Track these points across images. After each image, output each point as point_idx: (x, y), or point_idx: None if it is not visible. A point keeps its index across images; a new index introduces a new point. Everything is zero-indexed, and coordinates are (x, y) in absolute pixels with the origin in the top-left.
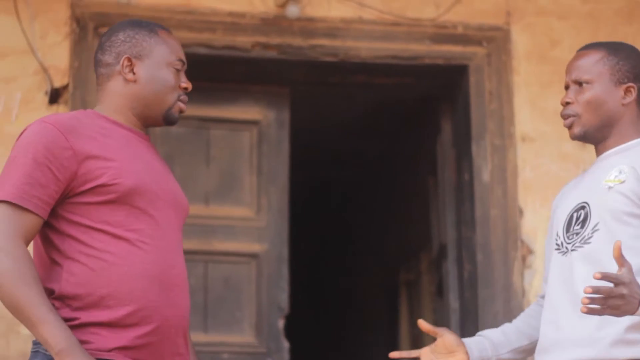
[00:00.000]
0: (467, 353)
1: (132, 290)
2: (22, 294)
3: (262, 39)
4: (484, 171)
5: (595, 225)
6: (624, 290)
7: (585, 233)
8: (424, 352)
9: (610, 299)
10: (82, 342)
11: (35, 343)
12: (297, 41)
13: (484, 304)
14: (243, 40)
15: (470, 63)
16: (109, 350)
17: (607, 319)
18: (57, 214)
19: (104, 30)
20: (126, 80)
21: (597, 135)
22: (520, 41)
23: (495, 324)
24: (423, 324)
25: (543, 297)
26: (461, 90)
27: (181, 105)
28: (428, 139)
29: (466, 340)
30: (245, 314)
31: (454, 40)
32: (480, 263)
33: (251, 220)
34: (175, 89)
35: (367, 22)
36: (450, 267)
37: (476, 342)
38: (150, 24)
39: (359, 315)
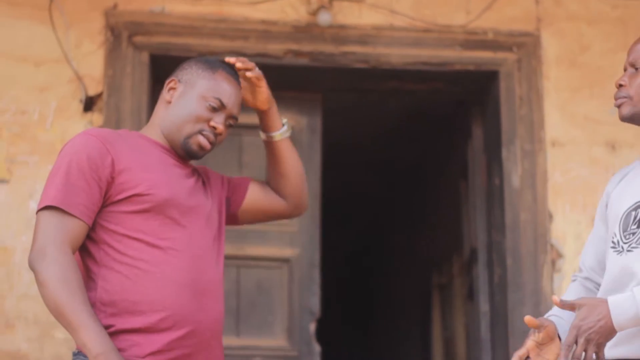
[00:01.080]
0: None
1: (164, 296)
2: (66, 300)
3: (294, 47)
4: (514, 176)
5: None
6: (581, 340)
7: None
8: (531, 347)
9: (587, 353)
10: (118, 349)
11: (75, 354)
12: (329, 48)
13: (514, 307)
14: (275, 47)
15: (501, 69)
16: (144, 357)
17: None
18: (94, 222)
19: (137, 39)
20: (164, 101)
21: None
22: (550, 47)
23: (525, 328)
24: (530, 320)
25: (581, 273)
26: (491, 96)
27: (201, 140)
28: (460, 143)
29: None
30: (277, 317)
31: (485, 46)
32: (510, 267)
33: (283, 225)
34: (200, 122)
35: (398, 28)
36: (481, 271)
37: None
38: (218, 63)
39: (392, 319)
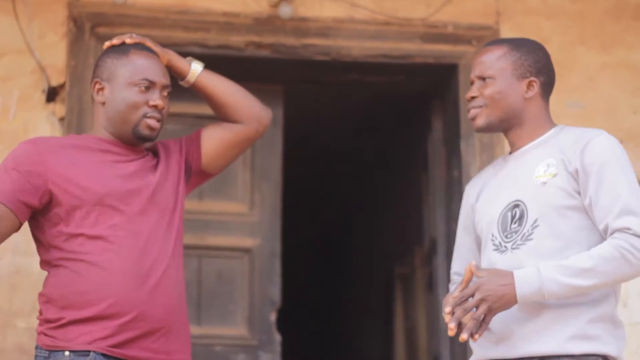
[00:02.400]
0: None
1: (109, 284)
2: None
3: (256, 39)
4: (473, 168)
5: (535, 222)
6: (478, 296)
7: (525, 230)
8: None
9: (475, 311)
10: (68, 339)
11: (37, 348)
12: (290, 40)
13: None
14: (237, 39)
15: (460, 62)
16: (91, 342)
17: (563, 313)
18: (40, 227)
19: (100, 30)
20: (98, 103)
21: (500, 127)
22: None
23: None
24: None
25: (456, 275)
26: (451, 89)
27: (149, 122)
28: (420, 136)
29: None
30: (238, 307)
31: (444, 39)
32: None
33: (244, 216)
34: (140, 107)
35: (359, 21)
36: (440, 262)
37: None
38: (126, 46)
39: (356, 309)
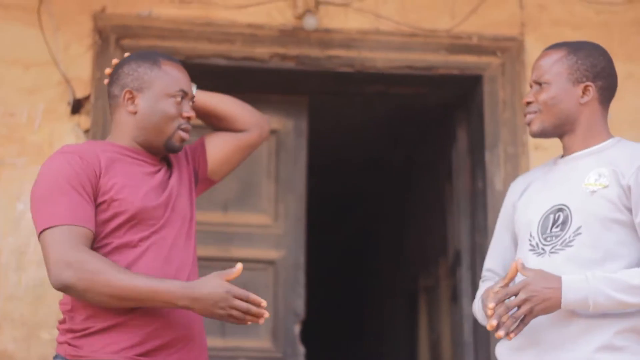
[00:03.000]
0: None
1: None
2: (126, 280)
3: (280, 50)
4: (497, 179)
5: (578, 229)
6: (522, 295)
7: (567, 236)
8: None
9: (519, 309)
10: (94, 349)
11: (58, 357)
12: (315, 52)
13: None
14: (261, 51)
15: (485, 73)
16: (118, 352)
17: (593, 324)
18: None
19: (125, 42)
20: (128, 112)
21: (555, 133)
22: (534, 51)
23: None
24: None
25: (489, 271)
26: (475, 100)
27: (182, 134)
28: (445, 147)
29: None
30: None
31: (469, 50)
32: None
33: (269, 228)
34: (175, 119)
35: (384, 33)
36: (464, 273)
37: None
38: (154, 56)
39: (380, 321)
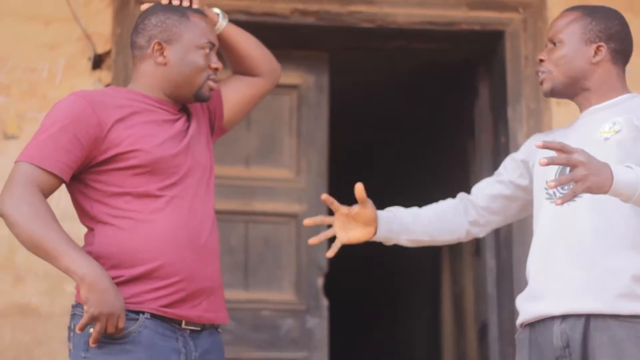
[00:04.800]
0: (376, 228)
1: (160, 243)
2: (41, 232)
3: (300, 6)
4: (520, 134)
5: None
6: (581, 158)
7: None
8: (342, 212)
9: (575, 175)
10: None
11: (74, 306)
12: (335, 7)
13: (519, 262)
14: (282, 7)
15: (507, 29)
16: (142, 302)
17: (611, 270)
18: (85, 182)
19: None
20: (157, 63)
21: (566, 92)
22: (556, 7)
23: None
24: (359, 188)
25: (469, 194)
26: (497, 56)
27: (211, 84)
28: (467, 102)
29: (380, 214)
30: (285, 272)
31: (491, 6)
32: (515, 223)
33: (291, 182)
34: (205, 70)
35: None
36: None
37: (387, 221)
38: (182, 8)
39: (402, 275)
